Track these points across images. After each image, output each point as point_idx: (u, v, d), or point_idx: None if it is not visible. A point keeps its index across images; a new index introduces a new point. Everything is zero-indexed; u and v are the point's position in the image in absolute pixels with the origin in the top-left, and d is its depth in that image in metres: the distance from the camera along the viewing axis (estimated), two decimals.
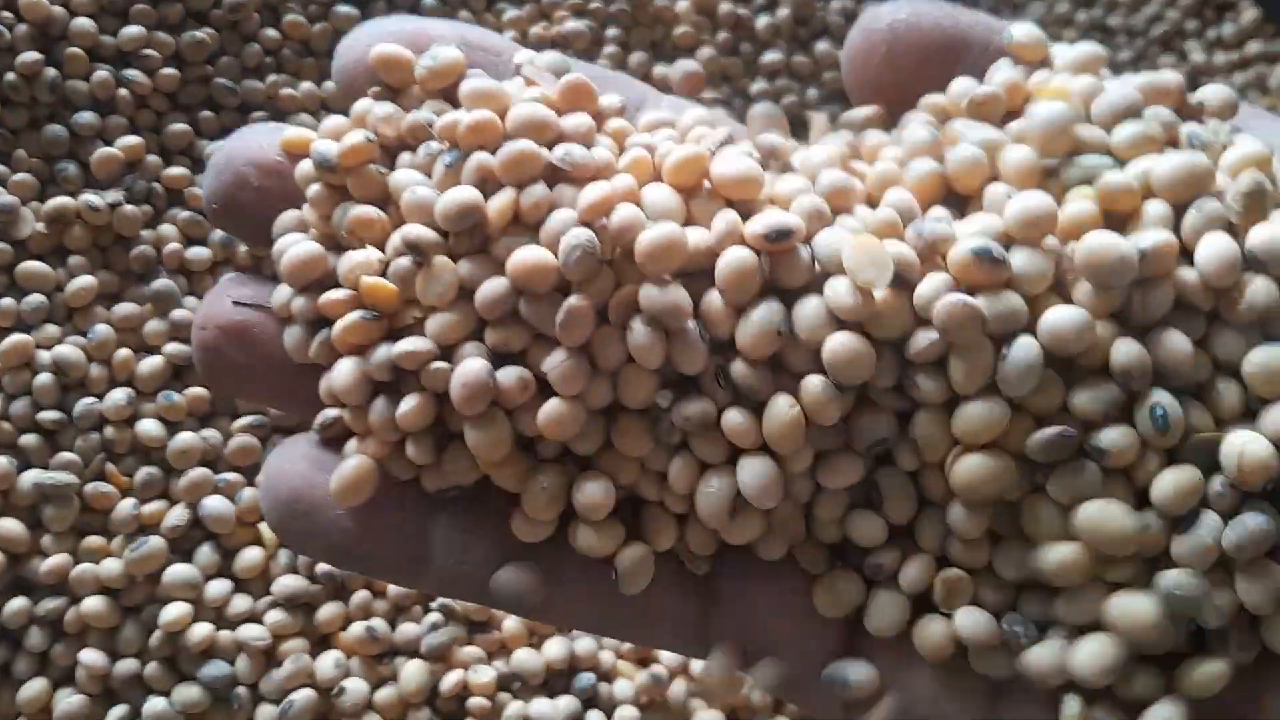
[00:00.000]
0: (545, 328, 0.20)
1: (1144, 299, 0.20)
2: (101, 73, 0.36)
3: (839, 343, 0.20)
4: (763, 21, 0.44)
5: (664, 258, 0.20)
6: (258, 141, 0.23)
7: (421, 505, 0.21)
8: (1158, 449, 0.20)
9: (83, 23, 0.36)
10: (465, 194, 0.20)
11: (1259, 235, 0.20)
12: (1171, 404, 0.19)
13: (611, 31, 0.43)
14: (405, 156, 0.22)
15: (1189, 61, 0.48)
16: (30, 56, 0.35)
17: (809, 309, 0.20)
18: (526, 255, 0.20)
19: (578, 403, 0.20)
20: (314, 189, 0.22)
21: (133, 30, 0.37)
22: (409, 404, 0.20)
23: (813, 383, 0.20)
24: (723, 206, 0.21)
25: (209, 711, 0.32)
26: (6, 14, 0.35)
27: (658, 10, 0.43)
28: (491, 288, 0.20)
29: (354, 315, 0.21)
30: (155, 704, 0.32)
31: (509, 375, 0.20)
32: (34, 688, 0.32)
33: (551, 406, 0.20)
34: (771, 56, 0.44)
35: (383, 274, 0.21)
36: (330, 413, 0.22)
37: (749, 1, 0.45)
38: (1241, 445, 0.19)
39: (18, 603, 0.32)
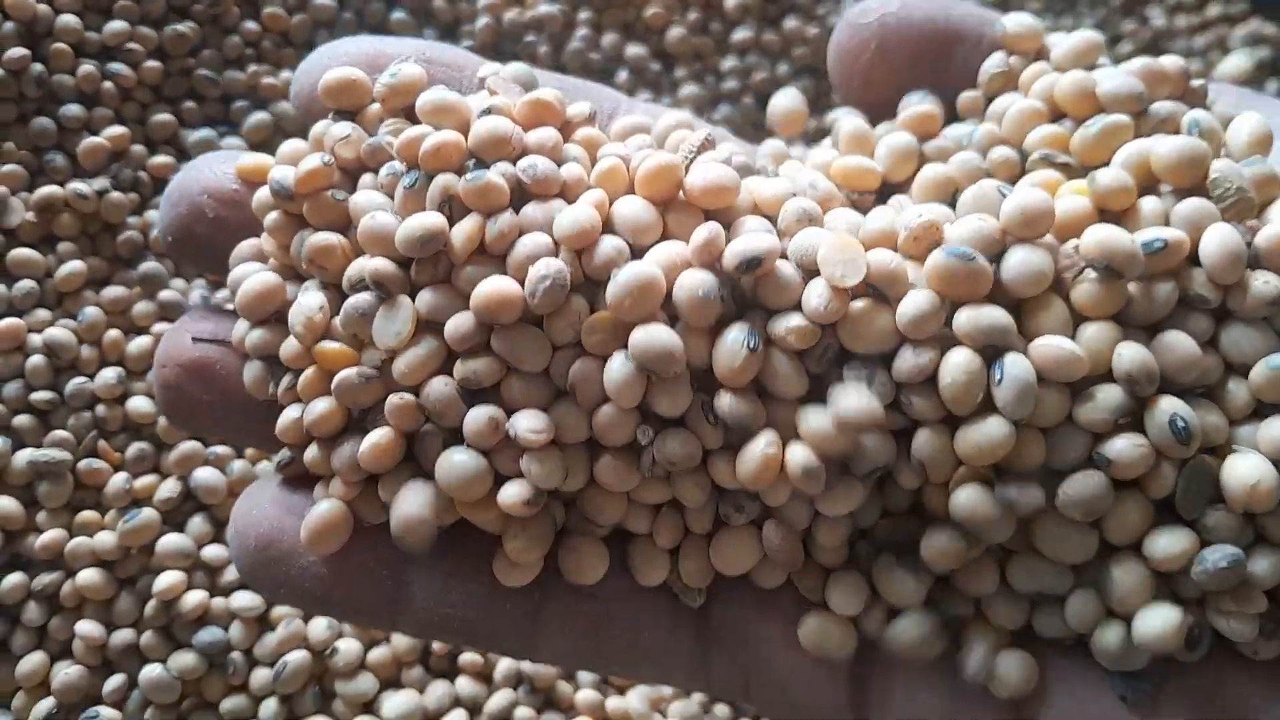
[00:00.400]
0: (518, 362, 0.19)
1: (1149, 296, 0.19)
2: (87, 67, 0.37)
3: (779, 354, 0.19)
4: (732, 0, 0.45)
5: (638, 307, 0.19)
6: (212, 170, 0.22)
7: (398, 547, 0.20)
8: (1174, 459, 0.19)
9: (68, 19, 0.37)
10: (428, 220, 0.19)
11: (1266, 235, 0.19)
12: (1190, 414, 0.19)
13: (584, 14, 0.44)
14: (367, 178, 0.21)
15: (1150, 25, 0.49)
16: (17, 52, 0.36)
17: (786, 319, 0.19)
18: (491, 287, 0.19)
19: (554, 450, 0.19)
20: (272, 217, 0.21)
21: (116, 25, 0.38)
22: (372, 442, 0.19)
23: (796, 456, 0.19)
24: (700, 218, 0.20)
25: (205, 677, 0.33)
26: None
27: None
28: (460, 322, 0.19)
29: (314, 370, 0.20)
30: (152, 671, 0.32)
31: (479, 417, 0.19)
32: (32, 661, 0.32)
33: (530, 460, 0.19)
34: (741, 34, 0.45)
35: (337, 310, 0.20)
36: (287, 452, 0.21)
37: None
38: (1254, 477, 0.18)
39: (14, 578, 0.33)
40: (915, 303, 0.19)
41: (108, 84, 0.38)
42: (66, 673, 0.32)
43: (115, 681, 0.32)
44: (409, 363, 0.19)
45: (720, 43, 0.45)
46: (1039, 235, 0.19)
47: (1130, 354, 0.19)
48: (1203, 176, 0.20)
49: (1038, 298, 0.19)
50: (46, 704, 0.32)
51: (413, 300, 0.20)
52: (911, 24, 0.24)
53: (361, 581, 0.21)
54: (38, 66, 0.37)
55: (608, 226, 0.20)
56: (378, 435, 0.19)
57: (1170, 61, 0.22)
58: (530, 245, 0.19)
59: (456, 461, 0.19)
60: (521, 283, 0.19)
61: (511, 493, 0.19)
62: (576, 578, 0.20)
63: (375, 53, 0.22)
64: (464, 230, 0.19)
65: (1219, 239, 0.19)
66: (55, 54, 0.37)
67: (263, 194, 0.21)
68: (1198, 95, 0.22)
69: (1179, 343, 0.19)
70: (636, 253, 0.20)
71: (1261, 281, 0.19)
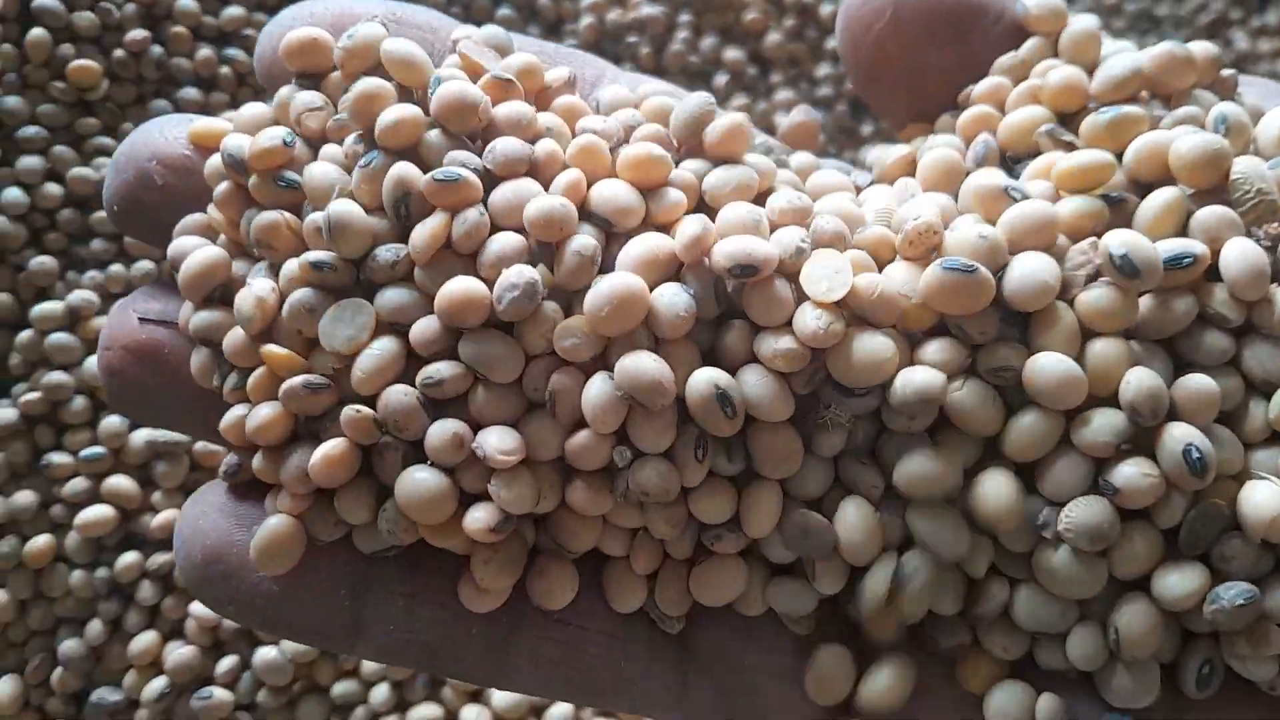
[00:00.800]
0: (487, 371, 0.18)
1: (1166, 310, 0.18)
2: (205, 51, 0.38)
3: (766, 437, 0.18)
4: (827, 9, 0.46)
5: (619, 320, 0.17)
6: (164, 134, 0.20)
7: (357, 565, 0.19)
8: (1185, 490, 0.18)
9: (186, 3, 0.38)
10: (351, 210, 0.18)
11: None
12: (1204, 443, 0.17)
13: (684, 17, 0.44)
14: (330, 149, 0.19)
15: (1234, 49, 0.49)
16: (138, 34, 0.36)
17: (775, 339, 0.18)
18: (457, 287, 0.17)
19: (525, 471, 0.18)
20: (222, 188, 0.19)
21: (233, 11, 0.38)
22: (324, 453, 0.17)
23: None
24: (684, 203, 0.19)
25: (317, 661, 0.33)
26: None
27: None
28: (426, 327, 0.18)
29: (264, 370, 0.18)
30: (266, 653, 0.32)
31: (442, 433, 0.17)
32: (144, 640, 0.33)
33: (500, 483, 0.17)
34: (835, 42, 0.45)
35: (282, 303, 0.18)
36: (233, 459, 0.19)
37: None
38: (1276, 507, 0.17)
39: (129, 557, 0.33)
40: (915, 380, 0.18)
41: (224, 69, 0.38)
42: (179, 652, 0.32)
43: (228, 663, 0.32)
44: (366, 369, 0.18)
45: (815, 49, 0.46)
46: (1044, 245, 0.18)
47: (1138, 381, 0.17)
48: (1223, 177, 0.18)
49: (1044, 310, 0.18)
50: (159, 683, 0.32)
51: (366, 295, 0.18)
52: None
53: (317, 602, 0.19)
54: (157, 49, 0.37)
55: (586, 208, 0.19)
56: (330, 446, 0.18)
57: (1200, 48, 0.21)
58: (501, 246, 0.18)
59: (418, 480, 0.17)
60: (492, 284, 0.17)
61: (478, 517, 0.17)
62: (544, 602, 0.19)
63: (341, 12, 0.21)
64: (426, 232, 0.18)
65: (1241, 253, 0.18)
66: (174, 37, 0.37)
67: (215, 161, 0.19)
68: (1227, 85, 0.21)
69: (1201, 385, 0.18)
70: (615, 238, 0.19)
71: None
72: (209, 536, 0.19)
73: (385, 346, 0.18)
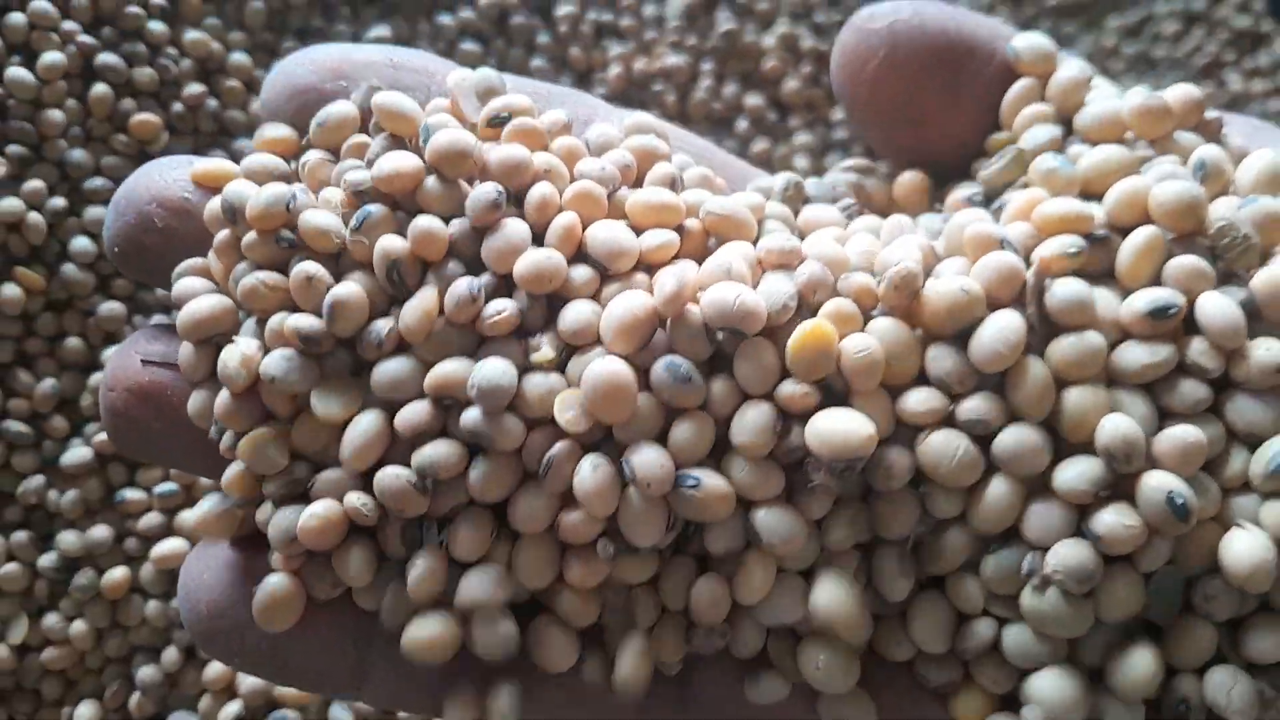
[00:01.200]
0: (492, 441, 0.18)
1: (1146, 357, 0.18)
2: (257, 104, 0.39)
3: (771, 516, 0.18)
4: None
5: (614, 410, 0.17)
6: (162, 176, 0.20)
7: (360, 619, 0.19)
8: (1167, 535, 0.18)
9: (239, 58, 0.40)
10: (352, 293, 0.18)
11: (1264, 280, 0.19)
12: (1186, 490, 0.18)
13: (707, 65, 0.46)
14: (327, 193, 0.19)
15: (1228, 90, 0.52)
16: (195, 89, 0.38)
17: (743, 421, 0.18)
18: (447, 369, 0.18)
19: (500, 572, 0.18)
20: (222, 235, 0.19)
21: None
22: (313, 513, 0.18)
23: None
24: (676, 243, 0.19)
25: None
26: (172, 50, 0.39)
27: (748, 45, 0.47)
28: (413, 413, 0.18)
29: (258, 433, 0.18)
30: None
31: (419, 575, 0.18)
32: (218, 666, 0.34)
33: (470, 582, 0.18)
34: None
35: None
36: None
37: (829, 37, 0.48)
38: (1255, 557, 0.17)
39: None
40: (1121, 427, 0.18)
41: None
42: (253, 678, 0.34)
43: None
44: (356, 446, 0.18)
45: (830, 94, 0.48)
46: (1010, 297, 0.19)
47: (1112, 427, 0.18)
48: (1199, 223, 0.19)
49: (1015, 365, 0.18)
50: (234, 706, 0.34)
51: (353, 362, 0.18)
52: (925, 32, 0.22)
53: (321, 655, 0.19)
54: (213, 103, 0.39)
55: (582, 249, 0.19)
56: (318, 509, 0.18)
57: (1176, 95, 0.21)
58: (495, 310, 0.18)
59: (427, 630, 0.18)
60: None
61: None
62: (547, 667, 0.19)
63: (342, 59, 0.21)
64: (416, 310, 0.18)
65: (1218, 304, 0.18)
66: (228, 91, 0.39)
67: (216, 205, 0.19)
68: (1211, 128, 0.22)
69: (1186, 434, 0.18)
70: (609, 279, 0.19)
71: (1263, 350, 0.18)
72: (214, 591, 0.19)
73: (372, 423, 0.18)
